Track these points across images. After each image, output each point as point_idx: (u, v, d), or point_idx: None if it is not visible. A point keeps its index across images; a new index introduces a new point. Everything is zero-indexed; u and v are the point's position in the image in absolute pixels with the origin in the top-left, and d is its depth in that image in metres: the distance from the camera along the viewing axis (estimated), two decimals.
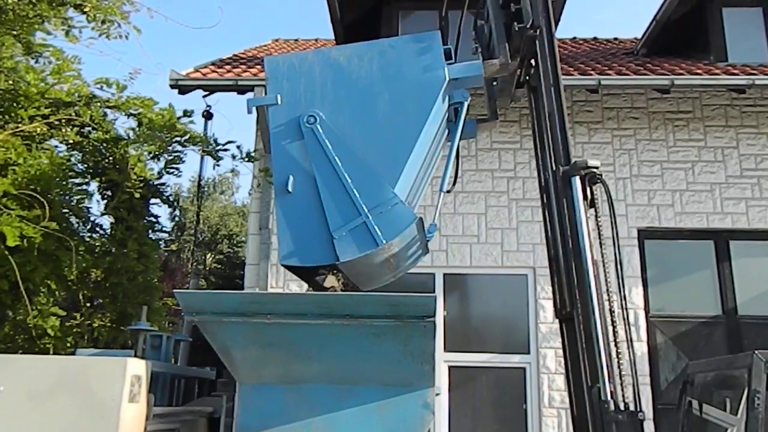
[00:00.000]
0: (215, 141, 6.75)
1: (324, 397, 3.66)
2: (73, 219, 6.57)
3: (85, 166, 6.65)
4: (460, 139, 3.70)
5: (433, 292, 7.29)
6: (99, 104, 6.53)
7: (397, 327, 3.34)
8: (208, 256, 20.61)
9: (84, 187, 6.56)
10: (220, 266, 18.63)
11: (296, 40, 12.41)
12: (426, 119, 3.34)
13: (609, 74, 7.49)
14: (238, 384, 3.86)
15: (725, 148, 7.73)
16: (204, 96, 7.81)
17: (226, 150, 6.77)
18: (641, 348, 7.08)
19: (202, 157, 9.13)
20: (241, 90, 7.43)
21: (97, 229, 6.96)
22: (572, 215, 3.45)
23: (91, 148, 6.46)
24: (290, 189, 3.22)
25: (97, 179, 6.71)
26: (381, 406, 3.60)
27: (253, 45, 10.80)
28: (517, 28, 3.56)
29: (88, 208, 6.73)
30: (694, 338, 7.28)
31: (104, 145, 6.53)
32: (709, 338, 7.33)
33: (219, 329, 3.54)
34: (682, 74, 7.41)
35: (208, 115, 9.53)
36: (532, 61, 3.82)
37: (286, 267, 3.32)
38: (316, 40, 12.25)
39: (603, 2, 45.73)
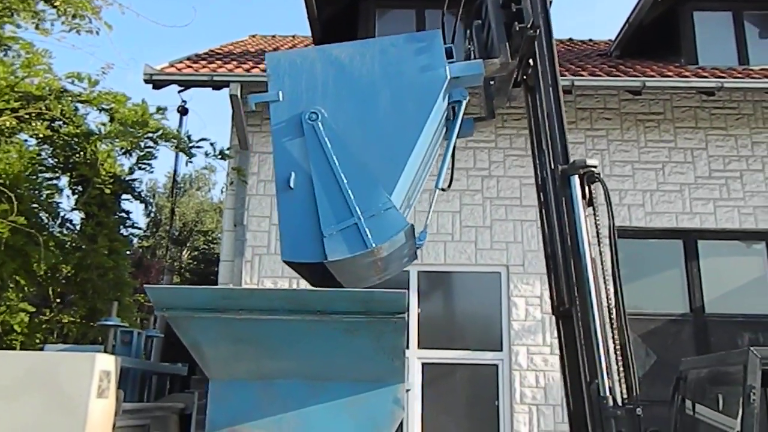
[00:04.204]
0: (188, 137, 6.69)
1: (295, 393, 3.66)
2: (42, 214, 6.48)
3: (56, 160, 6.56)
4: (458, 137, 3.72)
5: (408, 289, 7.32)
6: (70, 98, 6.44)
7: (369, 323, 3.36)
8: (183, 252, 20.44)
9: (54, 182, 6.47)
10: (195, 263, 18.49)
11: (273, 36, 12.36)
12: (426, 119, 3.35)
13: (582, 75, 7.59)
14: (209, 380, 3.86)
15: (695, 149, 7.88)
16: (179, 91, 7.76)
17: (199, 147, 6.73)
18: None
19: (176, 154, 9.06)
20: (217, 86, 7.38)
21: (68, 224, 6.87)
22: (571, 213, 3.51)
23: (61, 142, 6.37)
24: (292, 185, 3.21)
25: (68, 174, 6.62)
26: (352, 402, 3.62)
27: (229, 41, 10.73)
28: (517, 28, 3.57)
29: (58, 203, 6.65)
30: (662, 335, 7.42)
31: (75, 139, 6.44)
32: (677, 336, 7.47)
33: (189, 325, 3.53)
34: (653, 76, 7.54)
35: (183, 111, 9.45)
36: (530, 61, 3.85)
37: (288, 264, 3.31)
38: (293, 36, 12.21)
39: (584, 4, 46.18)
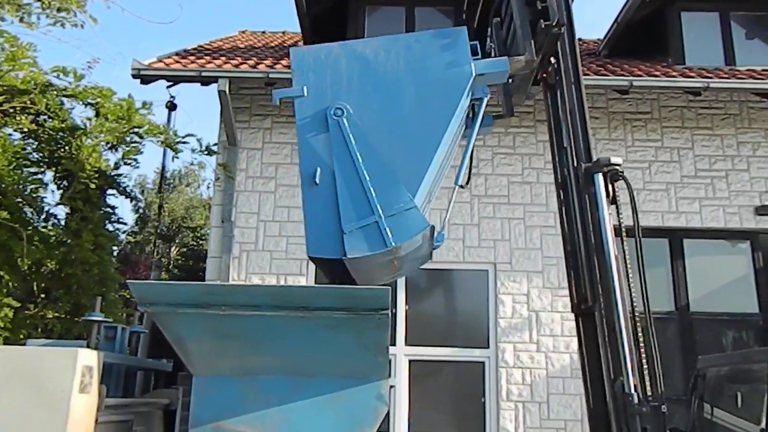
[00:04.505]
0: (175, 133, 6.66)
1: (278, 389, 3.66)
2: (27, 209, 6.44)
3: (40, 155, 6.51)
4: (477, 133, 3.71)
5: (396, 286, 7.33)
6: (55, 93, 6.39)
7: (352, 319, 3.36)
8: (172, 248, 20.36)
9: (39, 176, 6.43)
10: (183, 259, 18.42)
11: (263, 32, 12.31)
12: (452, 116, 3.34)
13: None
14: (193, 376, 3.85)
15: (681, 148, 7.93)
16: (167, 87, 7.72)
17: (185, 143, 6.69)
18: None
19: (164, 149, 9.02)
20: (205, 81, 7.36)
21: (52, 219, 6.83)
22: (595, 211, 3.51)
23: (46, 137, 6.33)
24: (317, 181, 3.19)
25: (53, 169, 6.57)
26: (335, 398, 3.63)
27: (218, 36, 10.68)
28: (543, 26, 3.56)
29: (42, 197, 6.60)
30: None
31: (60, 134, 6.39)
32: (662, 334, 7.51)
33: (173, 320, 3.52)
34: (641, 76, 7.58)
35: (171, 106, 9.39)
36: (551, 59, 3.84)
37: (312, 260, 3.28)
38: (283, 32, 12.18)
39: (575, 3, 46.23)
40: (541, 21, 3.57)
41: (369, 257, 3.14)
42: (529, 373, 7.15)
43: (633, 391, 3.16)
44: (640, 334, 3.29)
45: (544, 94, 4.05)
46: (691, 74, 7.78)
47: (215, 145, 7.26)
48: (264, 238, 7.51)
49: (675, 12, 8.65)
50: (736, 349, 7.35)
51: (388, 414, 7.47)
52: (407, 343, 7.29)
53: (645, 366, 3.22)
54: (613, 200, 3.53)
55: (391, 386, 3.85)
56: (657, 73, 7.75)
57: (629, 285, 3.37)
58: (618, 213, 3.49)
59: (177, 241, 20.53)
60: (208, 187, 24.30)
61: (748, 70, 8.07)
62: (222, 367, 3.71)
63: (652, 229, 7.67)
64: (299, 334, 3.48)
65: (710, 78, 7.59)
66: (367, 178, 3.17)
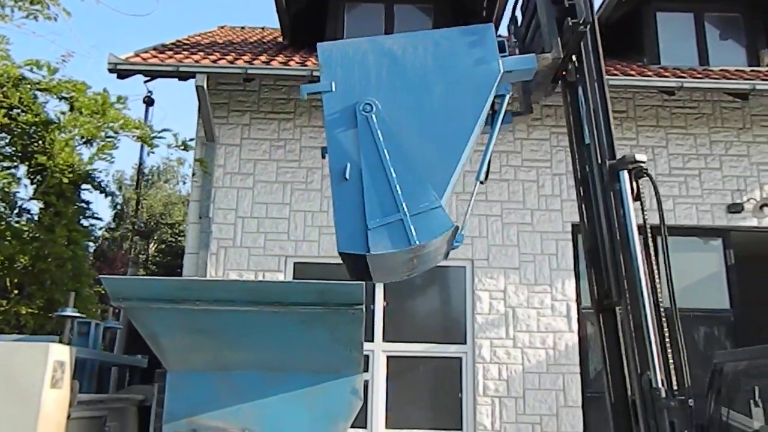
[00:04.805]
0: (151, 128, 6.61)
1: (253, 384, 3.68)
2: None
3: (13, 149, 6.42)
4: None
5: (372, 282, 7.36)
6: (29, 86, 6.31)
7: (325, 314, 3.39)
8: (150, 245, 20.17)
9: (11, 170, 6.33)
10: (161, 255, 18.26)
11: (242, 27, 12.25)
12: (480, 114, 3.34)
13: None
14: (167, 371, 3.85)
15: (655, 147, 8.04)
16: (145, 82, 7.66)
17: (161, 138, 6.64)
18: (572, 339, 7.33)
19: (142, 145, 8.94)
20: (183, 76, 7.30)
21: (25, 214, 6.74)
22: (620, 208, 3.53)
23: (19, 131, 6.24)
24: (347, 177, 3.17)
25: (26, 163, 6.49)
26: (309, 393, 3.66)
27: (197, 31, 10.61)
28: (570, 23, 3.58)
29: (15, 192, 6.51)
30: None
31: (33, 128, 6.31)
32: None
33: (147, 316, 3.52)
34: (616, 75, 7.66)
35: (149, 101, 9.33)
36: (573, 57, 3.85)
37: (341, 255, 3.24)
38: (263, 28, 12.13)
39: None
40: (568, 19, 3.59)
41: (391, 254, 3.14)
42: (505, 368, 7.23)
43: (660, 385, 3.20)
44: (666, 329, 3.31)
45: (562, 91, 4.06)
46: (666, 74, 7.89)
47: (192, 140, 7.21)
48: (242, 234, 7.49)
49: (651, 12, 8.77)
50: (707, 345, 7.49)
51: (365, 410, 7.51)
52: (385, 339, 7.32)
53: (671, 361, 3.24)
54: (637, 197, 3.56)
55: (366, 380, 3.88)
56: (632, 72, 7.84)
57: (654, 281, 3.40)
58: (642, 210, 3.52)
59: (155, 237, 20.33)
60: (184, 183, 24.07)
61: (721, 70, 8.22)
62: (196, 362, 3.72)
63: None
64: (274, 329, 3.50)
65: (684, 78, 7.71)
66: (394, 176, 3.16)
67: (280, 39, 9.76)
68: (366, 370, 6.76)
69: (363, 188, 3.16)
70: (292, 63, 7.69)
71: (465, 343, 7.37)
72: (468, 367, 7.28)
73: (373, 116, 3.26)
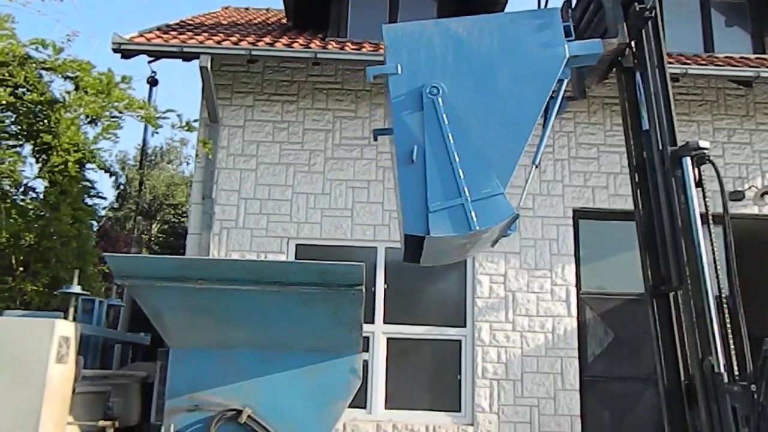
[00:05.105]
0: (155, 108, 6.64)
1: (253, 362, 3.75)
2: (5, 182, 6.40)
3: (19, 128, 6.45)
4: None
5: (375, 265, 7.41)
6: (34, 65, 6.32)
7: (326, 295, 3.44)
8: (153, 225, 20.27)
9: (17, 149, 6.37)
10: (164, 236, 18.36)
11: (247, 8, 12.21)
12: (545, 99, 3.34)
13: None
14: (170, 349, 3.91)
15: None
16: (149, 62, 7.67)
17: (165, 118, 6.67)
18: (571, 323, 7.39)
19: (145, 125, 8.97)
20: (187, 57, 7.30)
21: (31, 192, 6.79)
22: (682, 194, 3.54)
23: (25, 109, 6.26)
24: (414, 159, 3.16)
25: (31, 142, 6.52)
26: (309, 371, 3.72)
27: (201, 12, 10.58)
28: (637, 9, 3.58)
29: (21, 170, 6.56)
30: (620, 315, 7.63)
31: (39, 107, 6.34)
32: (634, 315, 7.68)
33: (150, 294, 3.58)
34: None
35: (153, 82, 9.33)
36: (631, 43, 3.83)
37: (407, 237, 3.24)
38: (267, 9, 12.09)
39: None
40: (635, 4, 3.59)
41: (450, 238, 3.14)
42: (504, 351, 7.30)
43: (723, 370, 3.22)
44: (727, 315, 3.32)
45: (617, 77, 4.04)
46: (670, 60, 7.85)
47: (195, 121, 7.23)
48: (244, 215, 7.54)
49: None
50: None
51: (365, 390, 7.58)
52: (386, 321, 7.38)
53: (732, 346, 3.26)
54: (698, 183, 3.56)
55: (365, 360, 3.95)
56: None
57: (716, 267, 3.40)
58: (704, 197, 3.53)
59: (158, 218, 20.43)
60: (187, 164, 24.09)
61: (726, 57, 8.18)
62: (198, 340, 3.78)
63: (629, 213, 7.74)
64: (275, 308, 3.56)
65: (689, 64, 7.67)
66: (458, 160, 3.15)
67: (285, 20, 9.74)
68: (366, 350, 6.83)
69: (426, 171, 3.16)
70: (296, 45, 7.69)
71: (465, 326, 7.44)
72: (467, 349, 7.36)
73: (440, 99, 3.24)
